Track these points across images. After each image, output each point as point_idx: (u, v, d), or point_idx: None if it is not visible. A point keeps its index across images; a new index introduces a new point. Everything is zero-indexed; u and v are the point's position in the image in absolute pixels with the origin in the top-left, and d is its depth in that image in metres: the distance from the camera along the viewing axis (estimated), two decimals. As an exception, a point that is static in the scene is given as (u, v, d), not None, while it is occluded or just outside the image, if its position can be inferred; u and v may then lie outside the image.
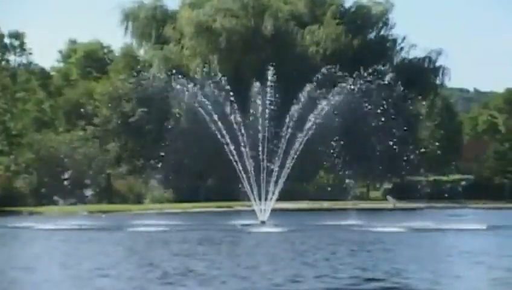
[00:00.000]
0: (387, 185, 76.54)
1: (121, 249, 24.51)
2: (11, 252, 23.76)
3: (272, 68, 40.64)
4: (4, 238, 29.95)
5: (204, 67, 61.93)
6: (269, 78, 40.47)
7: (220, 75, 43.86)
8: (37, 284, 16.72)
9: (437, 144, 77.56)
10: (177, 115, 61.60)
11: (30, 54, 65.51)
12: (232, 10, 69.48)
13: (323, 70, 43.64)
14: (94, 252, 23.40)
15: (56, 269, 19.44)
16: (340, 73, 43.41)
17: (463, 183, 76.15)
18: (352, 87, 41.21)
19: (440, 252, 23.40)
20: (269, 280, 16.35)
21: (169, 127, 59.30)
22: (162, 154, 48.79)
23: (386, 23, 76.01)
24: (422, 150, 70.39)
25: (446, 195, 62.31)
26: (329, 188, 60.39)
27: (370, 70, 45.47)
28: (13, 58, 65.33)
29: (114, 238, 28.65)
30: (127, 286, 15.91)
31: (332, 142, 48.13)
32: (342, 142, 48.15)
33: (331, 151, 49.04)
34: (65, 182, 56.16)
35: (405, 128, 58.63)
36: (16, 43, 64.32)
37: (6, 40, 64.14)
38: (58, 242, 27.74)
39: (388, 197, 64.35)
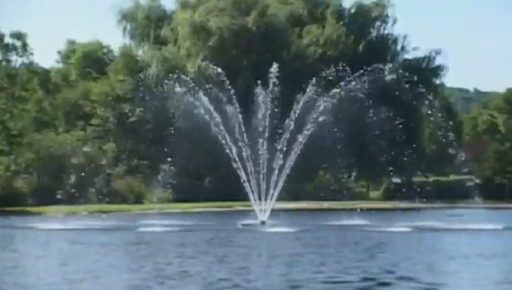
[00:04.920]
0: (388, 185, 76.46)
1: (121, 249, 24.47)
2: (12, 253, 23.72)
3: (274, 67, 40.57)
4: (4, 239, 29.88)
5: (201, 67, 61.92)
6: (271, 77, 40.40)
7: (219, 73, 43.80)
8: (39, 284, 16.67)
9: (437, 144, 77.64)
10: (176, 115, 61.58)
11: (31, 54, 65.35)
12: (228, 10, 69.44)
13: (324, 71, 43.57)
14: (94, 252, 23.34)
15: (57, 270, 19.40)
16: (340, 73, 43.38)
17: (470, 183, 76.03)
18: (352, 87, 41.16)
19: (441, 252, 23.36)
20: (269, 280, 16.31)
21: (168, 127, 59.29)
22: (161, 154, 48.76)
23: (385, 23, 76.11)
24: (423, 150, 70.48)
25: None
26: (332, 188, 60.30)
27: (370, 70, 45.41)
28: (14, 59, 65.15)
29: (114, 239, 28.58)
30: (128, 286, 15.86)
31: (333, 142, 48.08)
32: (342, 142, 48.10)
33: (331, 151, 49.00)
34: (65, 182, 56.16)
35: (405, 128, 58.56)
36: (18, 43, 64.12)
37: (8, 40, 63.96)
38: (61, 242, 27.71)
39: None
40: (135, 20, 75.72)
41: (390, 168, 58.21)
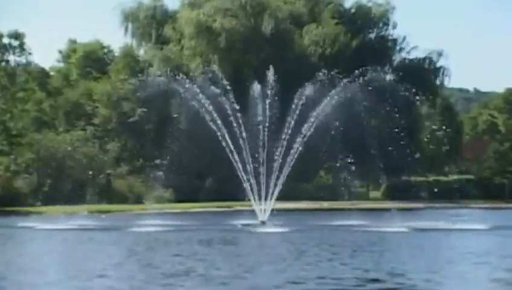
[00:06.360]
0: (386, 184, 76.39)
1: (121, 249, 24.48)
2: (11, 252, 23.73)
3: (271, 68, 40.62)
4: (4, 239, 29.89)
5: (204, 67, 61.94)
6: (269, 78, 40.43)
7: (220, 75, 43.81)
8: (38, 284, 16.67)
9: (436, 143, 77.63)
10: (177, 115, 61.62)
11: (30, 54, 65.22)
12: (232, 10, 69.57)
13: (324, 70, 43.58)
14: (95, 252, 23.36)
15: (57, 270, 19.40)
16: (340, 73, 43.37)
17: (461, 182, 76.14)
18: (352, 87, 41.14)
19: (441, 252, 23.35)
20: (270, 280, 16.30)
21: (169, 127, 59.34)
22: (162, 154, 48.77)
23: (386, 24, 76.03)
24: (422, 150, 70.44)
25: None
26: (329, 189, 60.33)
27: (370, 71, 45.40)
28: (13, 59, 65.04)
29: (114, 239, 28.60)
30: (128, 286, 15.87)
31: (332, 142, 48.06)
32: (341, 142, 48.09)
33: (331, 151, 48.98)
34: (65, 182, 56.11)
35: (405, 128, 58.51)
36: (16, 43, 64.00)
37: (6, 40, 63.84)
38: (62, 242, 27.72)
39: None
40: (137, 19, 75.73)
41: (390, 168, 58.20)
